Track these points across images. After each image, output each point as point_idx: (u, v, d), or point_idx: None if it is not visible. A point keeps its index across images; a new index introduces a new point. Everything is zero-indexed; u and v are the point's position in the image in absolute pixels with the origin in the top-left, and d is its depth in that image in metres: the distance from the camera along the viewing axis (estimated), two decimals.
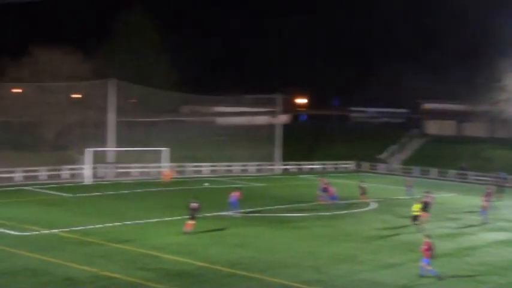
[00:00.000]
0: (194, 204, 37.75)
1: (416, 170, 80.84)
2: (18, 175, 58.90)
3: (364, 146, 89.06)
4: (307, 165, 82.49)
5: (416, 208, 42.77)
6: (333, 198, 51.29)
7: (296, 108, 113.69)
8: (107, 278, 27.21)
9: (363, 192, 53.68)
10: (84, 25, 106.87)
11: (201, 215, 39.07)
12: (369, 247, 36.33)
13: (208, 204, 47.27)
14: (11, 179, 58.32)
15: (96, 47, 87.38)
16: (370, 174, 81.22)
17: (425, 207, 43.74)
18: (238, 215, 44.10)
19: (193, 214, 37.56)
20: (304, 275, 29.64)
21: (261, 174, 72.10)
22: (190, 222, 37.42)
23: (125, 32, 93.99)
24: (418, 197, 47.99)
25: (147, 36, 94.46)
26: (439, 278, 29.00)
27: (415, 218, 42.53)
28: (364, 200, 52.83)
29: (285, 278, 28.76)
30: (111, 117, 65.08)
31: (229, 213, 44.18)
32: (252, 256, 32.70)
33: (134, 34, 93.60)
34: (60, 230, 36.95)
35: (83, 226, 37.96)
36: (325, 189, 51.93)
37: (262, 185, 58.82)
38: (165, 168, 65.51)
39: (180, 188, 59.50)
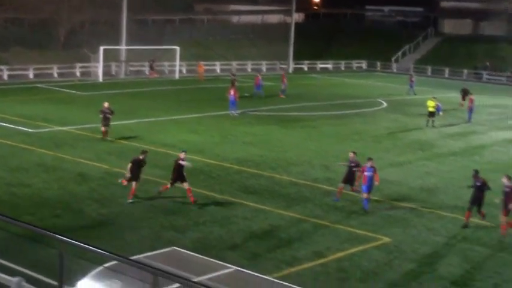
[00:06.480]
0: None
1: (429, 69, 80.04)
2: (31, 72, 58.94)
3: (379, 45, 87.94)
4: (319, 65, 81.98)
5: (431, 104, 43.34)
6: (258, 88, 52.83)
7: (310, 6, 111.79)
8: (118, 174, 27.61)
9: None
10: None
11: (209, 114, 39.05)
12: (378, 146, 36.60)
13: (221, 102, 47.52)
14: (24, 76, 58.39)
15: None
16: (383, 74, 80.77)
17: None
18: (236, 114, 43.84)
19: None
20: (313, 173, 30.04)
21: (273, 73, 71.71)
22: None
23: None
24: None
25: None
26: (366, 211, 24.74)
27: (431, 114, 43.24)
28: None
29: (294, 176, 29.18)
30: (124, 16, 64.35)
31: (229, 112, 44.03)
32: (262, 154, 33.05)
33: None
34: (72, 127, 37.38)
35: (94, 124, 38.09)
36: (258, 86, 53.03)
37: (273, 84, 58.57)
38: (198, 64, 66.59)
39: (193, 86, 59.53)
